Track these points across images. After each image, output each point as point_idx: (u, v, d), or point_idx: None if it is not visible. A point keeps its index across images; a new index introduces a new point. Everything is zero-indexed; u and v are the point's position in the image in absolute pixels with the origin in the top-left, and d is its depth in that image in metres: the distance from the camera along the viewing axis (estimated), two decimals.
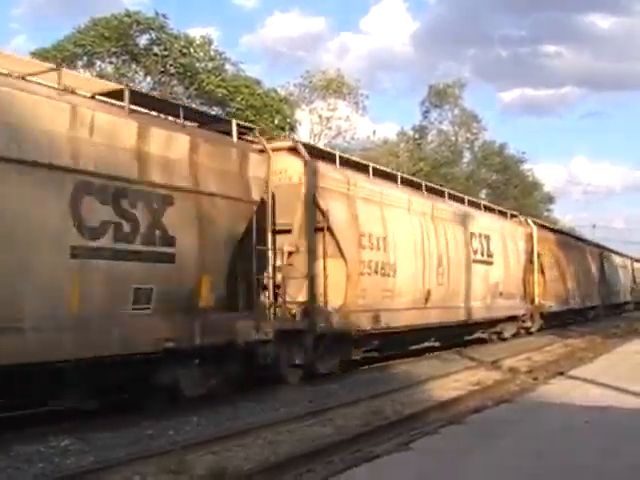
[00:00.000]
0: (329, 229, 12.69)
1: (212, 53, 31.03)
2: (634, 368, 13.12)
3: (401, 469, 6.26)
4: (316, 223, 12.56)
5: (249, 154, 10.86)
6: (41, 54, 25.18)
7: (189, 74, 29.51)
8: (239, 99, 29.32)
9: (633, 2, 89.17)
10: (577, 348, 18.56)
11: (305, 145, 13.02)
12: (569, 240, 32.32)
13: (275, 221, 11.84)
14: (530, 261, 24.24)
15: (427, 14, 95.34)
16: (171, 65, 29.34)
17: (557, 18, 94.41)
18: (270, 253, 11.46)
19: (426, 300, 15.86)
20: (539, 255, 25.14)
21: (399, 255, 14.76)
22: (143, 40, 29.68)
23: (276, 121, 30.33)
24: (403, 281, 14.93)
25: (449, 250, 17.19)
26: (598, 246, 39.89)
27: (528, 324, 24.14)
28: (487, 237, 19.89)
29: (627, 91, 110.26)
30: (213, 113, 14.12)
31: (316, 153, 13.53)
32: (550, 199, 64.89)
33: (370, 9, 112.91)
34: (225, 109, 28.70)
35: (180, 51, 29.17)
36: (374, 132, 49.88)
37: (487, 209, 21.97)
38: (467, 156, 54.13)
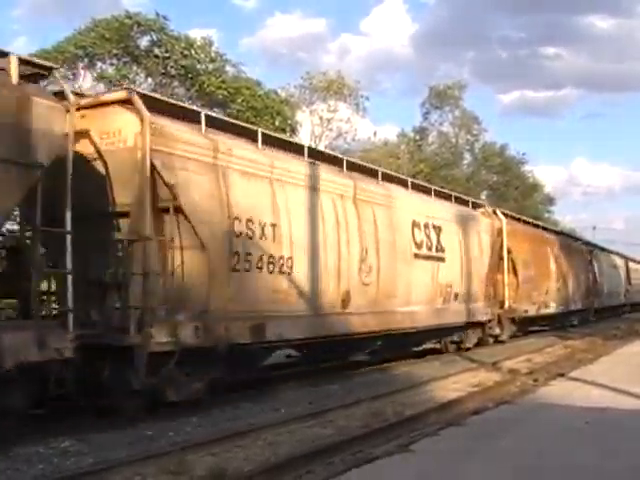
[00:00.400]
0: (179, 210, 9.53)
1: (213, 54, 31.06)
2: (634, 369, 13.12)
3: (401, 470, 6.26)
4: (160, 202, 9.46)
5: (32, 100, 7.82)
6: (41, 55, 25.19)
7: (190, 76, 29.53)
8: (240, 100, 29.34)
9: (632, 3, 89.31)
10: (577, 349, 18.55)
11: (147, 97, 9.98)
12: (549, 236, 28.41)
13: (113, 199, 9.47)
14: (500, 258, 20.92)
15: (427, 16, 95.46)
16: (172, 67, 29.35)
17: (556, 20, 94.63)
18: (68, 239, 8.20)
19: (344, 304, 12.73)
20: (510, 252, 21.55)
21: (299, 247, 11.52)
22: (144, 42, 29.70)
23: (277, 123, 30.36)
24: (305, 280, 11.71)
25: (379, 243, 13.79)
26: (587, 244, 36.40)
27: (496, 331, 20.78)
28: (437, 228, 16.50)
29: (627, 92, 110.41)
30: None
31: (167, 109, 10.28)
32: (550, 200, 64.98)
33: (370, 11, 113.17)
34: (226, 110, 28.72)
35: (181, 52, 29.19)
36: (375, 133, 49.91)
37: (440, 195, 18.27)
38: (467, 157, 54.17)
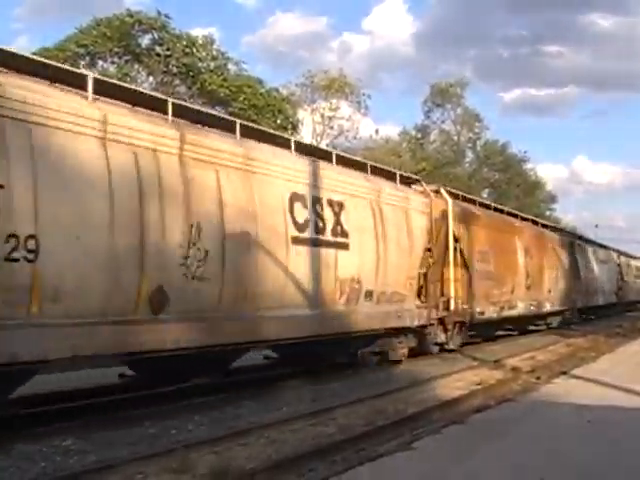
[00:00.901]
0: None
1: (214, 53, 31.11)
2: (637, 367, 13.11)
3: (404, 468, 6.27)
4: None
5: None
6: (43, 54, 25.21)
7: (191, 74, 29.59)
8: (241, 99, 29.38)
9: (634, 2, 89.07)
10: (580, 347, 18.51)
11: None
12: (518, 224, 23.86)
13: None
14: (446, 248, 16.79)
15: (428, 14, 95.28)
16: (173, 65, 29.41)
17: (558, 18, 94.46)
18: None
19: (155, 306, 8.81)
20: (459, 240, 17.27)
21: (52, 222, 7.64)
22: (145, 40, 29.81)
23: (278, 121, 30.38)
24: (67, 271, 7.83)
25: (226, 220, 9.86)
26: (569, 234, 31.95)
27: (441, 338, 16.83)
28: (338, 205, 12.53)
29: (629, 90, 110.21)
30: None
31: None
32: (552, 198, 65.03)
33: (372, 9, 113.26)
34: (227, 109, 28.74)
35: (182, 51, 29.25)
36: (376, 131, 49.92)
37: (346, 163, 13.96)
38: (469, 155, 54.39)
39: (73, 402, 9.79)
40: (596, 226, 62.45)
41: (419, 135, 51.62)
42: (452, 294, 16.91)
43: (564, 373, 12.37)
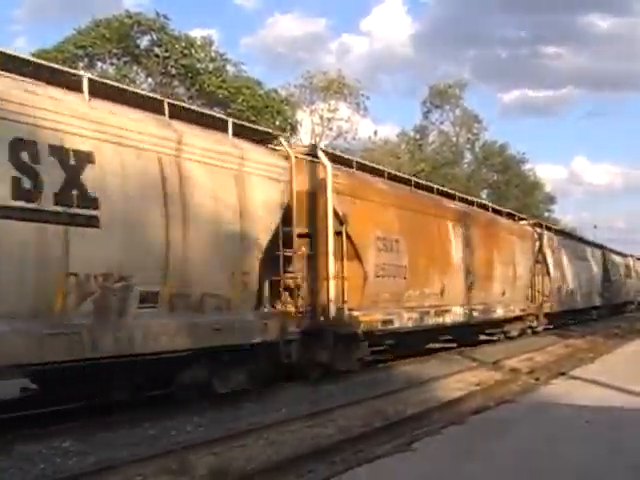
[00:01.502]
0: None
1: (213, 54, 31.15)
2: (635, 368, 13.13)
3: (403, 469, 6.27)
4: None
5: None
6: (42, 55, 25.22)
7: (190, 75, 29.63)
8: (240, 100, 29.42)
9: (633, 2, 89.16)
10: (578, 348, 18.55)
11: None
12: (453, 206, 18.41)
13: None
14: (323, 232, 12.33)
15: (427, 15, 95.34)
16: (172, 66, 29.45)
17: (556, 19, 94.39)
18: None
19: None
20: (345, 222, 12.56)
21: None
22: (144, 41, 29.85)
23: (277, 122, 30.40)
24: None
25: None
26: (535, 224, 26.14)
27: (321, 357, 12.35)
28: (74, 156, 7.97)
29: (628, 91, 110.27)
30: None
31: None
32: (551, 199, 65.04)
33: (371, 10, 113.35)
34: (226, 110, 28.76)
35: (181, 52, 29.28)
36: (375, 132, 49.88)
37: (114, 96, 9.09)
38: (468, 156, 54.41)
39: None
40: (595, 227, 62.47)
41: (418, 136, 51.65)
42: (332, 296, 12.39)
43: (563, 374, 12.38)
